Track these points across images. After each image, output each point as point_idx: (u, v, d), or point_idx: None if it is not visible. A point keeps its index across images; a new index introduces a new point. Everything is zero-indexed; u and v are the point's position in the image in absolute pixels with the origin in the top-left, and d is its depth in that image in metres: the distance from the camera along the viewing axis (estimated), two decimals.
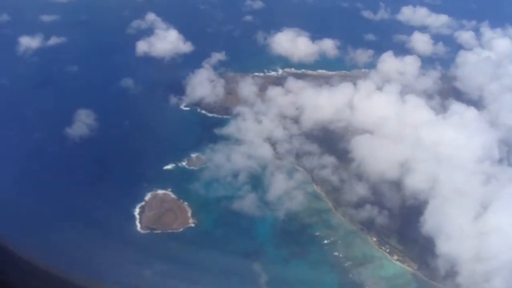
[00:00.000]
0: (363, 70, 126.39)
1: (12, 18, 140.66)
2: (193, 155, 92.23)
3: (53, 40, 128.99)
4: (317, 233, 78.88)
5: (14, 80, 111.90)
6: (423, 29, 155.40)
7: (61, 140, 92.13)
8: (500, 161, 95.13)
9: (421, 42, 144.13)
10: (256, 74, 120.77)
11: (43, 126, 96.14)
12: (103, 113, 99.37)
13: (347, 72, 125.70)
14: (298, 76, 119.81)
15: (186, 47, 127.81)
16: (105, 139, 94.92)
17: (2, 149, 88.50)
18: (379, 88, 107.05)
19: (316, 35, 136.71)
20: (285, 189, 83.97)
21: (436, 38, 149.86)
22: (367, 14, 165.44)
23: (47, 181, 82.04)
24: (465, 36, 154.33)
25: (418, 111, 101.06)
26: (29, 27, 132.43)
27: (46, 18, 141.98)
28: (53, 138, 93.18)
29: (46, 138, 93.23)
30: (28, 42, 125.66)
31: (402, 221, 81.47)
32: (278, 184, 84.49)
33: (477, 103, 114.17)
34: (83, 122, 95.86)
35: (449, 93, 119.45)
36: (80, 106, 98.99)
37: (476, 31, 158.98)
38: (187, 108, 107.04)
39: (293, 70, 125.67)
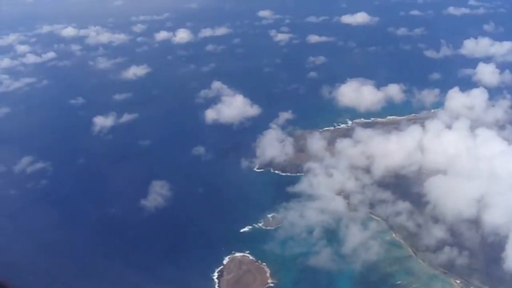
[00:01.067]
0: (432, 110, 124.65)
1: (86, 100, 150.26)
2: (269, 216, 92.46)
3: (126, 117, 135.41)
4: (399, 282, 77.02)
5: (90, 159, 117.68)
6: (488, 59, 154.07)
7: (137, 212, 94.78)
8: None
9: (486, 73, 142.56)
10: (326, 128, 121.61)
11: (120, 200, 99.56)
12: (176, 182, 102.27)
13: (416, 114, 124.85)
14: (366, 126, 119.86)
15: (253, 110, 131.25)
16: (181, 207, 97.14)
17: (82, 226, 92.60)
18: (448, 126, 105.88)
19: (380, 82, 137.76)
20: (361, 240, 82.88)
21: (503, 66, 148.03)
22: (430, 53, 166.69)
23: (128, 254, 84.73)
24: None
25: (490, 144, 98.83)
26: (102, 107, 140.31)
27: (118, 96, 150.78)
28: (129, 212, 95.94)
29: (123, 212, 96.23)
30: (102, 122, 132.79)
31: (485, 259, 79.09)
32: (353, 236, 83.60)
33: None
34: (157, 193, 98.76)
35: None
36: (154, 178, 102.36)
37: None
38: (260, 170, 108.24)
39: (362, 120, 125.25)
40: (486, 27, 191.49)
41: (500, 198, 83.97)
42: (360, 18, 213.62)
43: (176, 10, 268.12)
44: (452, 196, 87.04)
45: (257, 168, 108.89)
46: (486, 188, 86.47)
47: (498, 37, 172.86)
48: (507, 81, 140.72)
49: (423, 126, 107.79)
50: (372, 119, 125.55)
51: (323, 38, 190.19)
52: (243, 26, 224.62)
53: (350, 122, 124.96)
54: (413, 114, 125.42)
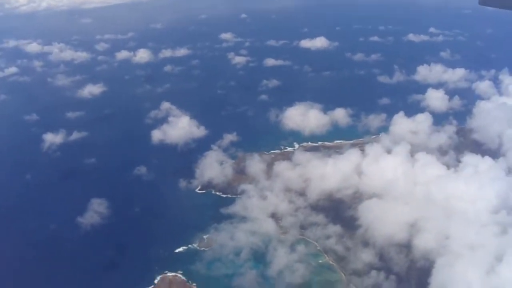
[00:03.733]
0: (377, 135, 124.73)
1: (40, 117, 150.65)
2: (204, 236, 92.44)
3: (75, 135, 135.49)
4: None
5: (36, 175, 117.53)
6: (439, 85, 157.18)
7: (74, 229, 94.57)
8: None
9: (435, 98, 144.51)
10: (273, 151, 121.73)
11: (59, 217, 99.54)
12: (116, 201, 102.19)
13: (361, 139, 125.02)
14: (312, 149, 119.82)
15: (199, 131, 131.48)
16: (118, 226, 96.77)
17: (19, 241, 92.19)
18: (389, 151, 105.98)
19: (329, 106, 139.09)
20: (288, 262, 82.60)
21: (453, 92, 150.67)
22: (383, 78, 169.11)
23: (61, 270, 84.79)
24: (483, 87, 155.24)
25: (429, 168, 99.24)
26: (54, 124, 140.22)
27: (71, 114, 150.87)
28: (67, 228, 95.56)
29: (60, 228, 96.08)
30: (52, 139, 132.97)
31: (411, 284, 79.08)
32: (281, 258, 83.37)
33: (495, 152, 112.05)
34: (96, 211, 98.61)
35: (465, 146, 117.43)
36: (94, 196, 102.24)
37: (495, 79, 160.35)
38: (202, 191, 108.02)
39: (309, 143, 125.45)
40: (442, 54, 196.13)
41: (433, 222, 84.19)
42: (319, 42, 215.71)
43: (141, 30, 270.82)
44: (384, 220, 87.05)
45: (199, 189, 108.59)
46: (420, 213, 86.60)
47: (452, 64, 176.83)
48: (455, 107, 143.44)
49: (362, 150, 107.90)
50: (320, 143, 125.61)
51: (280, 62, 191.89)
52: (204, 48, 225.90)
53: (297, 146, 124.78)
54: (359, 139, 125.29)
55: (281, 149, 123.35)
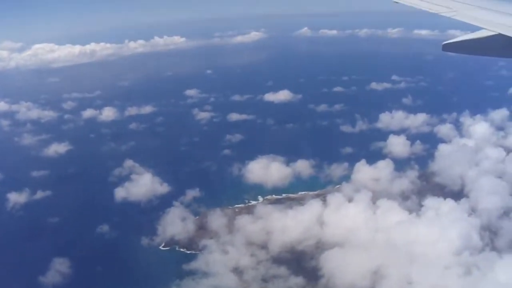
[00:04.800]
0: (339, 185, 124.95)
1: (5, 176, 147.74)
2: None
3: (39, 194, 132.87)
4: None
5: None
6: (402, 131, 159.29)
7: None
8: (482, 248, 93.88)
9: (397, 145, 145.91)
10: (237, 205, 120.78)
11: (18, 278, 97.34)
12: (78, 261, 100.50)
13: (324, 189, 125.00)
14: (276, 202, 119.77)
15: (162, 188, 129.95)
16: (80, 285, 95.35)
17: None
18: (350, 199, 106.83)
19: (291, 158, 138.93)
20: None
21: (415, 137, 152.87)
22: (345, 128, 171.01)
23: None
24: (444, 130, 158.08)
25: (390, 215, 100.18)
26: (19, 184, 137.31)
27: (36, 173, 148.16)
28: None
29: None
30: (16, 198, 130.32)
31: None
32: None
33: (457, 194, 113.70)
34: (57, 271, 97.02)
35: (428, 189, 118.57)
36: (56, 255, 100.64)
37: (456, 122, 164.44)
38: (165, 248, 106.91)
39: (273, 196, 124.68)
40: (404, 100, 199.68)
41: (395, 268, 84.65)
42: (282, 95, 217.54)
43: (107, 88, 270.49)
44: (347, 268, 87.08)
45: (163, 246, 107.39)
46: (382, 259, 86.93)
47: (414, 110, 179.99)
48: (417, 152, 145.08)
49: (324, 200, 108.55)
50: (284, 195, 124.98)
51: (244, 116, 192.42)
52: (169, 104, 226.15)
53: (261, 199, 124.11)
54: (323, 189, 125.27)
55: (245, 203, 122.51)
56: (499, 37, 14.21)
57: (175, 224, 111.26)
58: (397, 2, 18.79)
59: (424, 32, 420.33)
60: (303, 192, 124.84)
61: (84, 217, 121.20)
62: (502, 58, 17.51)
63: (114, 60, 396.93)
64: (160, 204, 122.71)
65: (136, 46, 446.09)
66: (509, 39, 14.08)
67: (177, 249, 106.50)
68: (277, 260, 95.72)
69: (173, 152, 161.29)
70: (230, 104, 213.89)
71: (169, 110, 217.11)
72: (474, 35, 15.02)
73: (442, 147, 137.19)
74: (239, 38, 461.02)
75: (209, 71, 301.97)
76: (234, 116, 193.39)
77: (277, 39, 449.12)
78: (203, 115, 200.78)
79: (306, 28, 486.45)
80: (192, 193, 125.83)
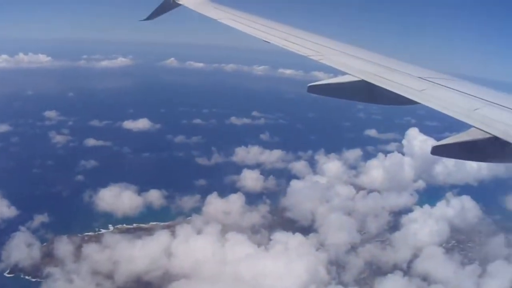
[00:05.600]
0: (190, 217, 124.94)
1: None
2: None
3: None
4: None
5: None
6: (256, 166, 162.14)
7: None
8: (329, 282, 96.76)
9: (250, 179, 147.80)
10: (86, 233, 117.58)
11: None
12: None
13: (174, 220, 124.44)
14: (123, 231, 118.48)
15: (10, 211, 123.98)
16: None
17: None
18: (200, 231, 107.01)
19: (144, 187, 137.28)
20: None
21: (269, 172, 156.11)
22: (201, 160, 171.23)
23: None
24: (298, 167, 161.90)
25: (239, 248, 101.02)
26: None
27: None
28: None
29: None
30: None
31: None
32: None
33: (307, 228, 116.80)
34: None
35: (278, 224, 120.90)
36: None
37: (311, 160, 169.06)
38: (10, 274, 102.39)
39: (124, 226, 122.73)
40: (262, 136, 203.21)
41: None
42: (141, 124, 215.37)
43: None
44: None
45: (7, 273, 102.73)
46: None
47: (270, 146, 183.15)
48: (270, 187, 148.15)
49: (173, 231, 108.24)
50: (135, 224, 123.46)
51: (100, 142, 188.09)
52: (26, 125, 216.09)
53: (111, 227, 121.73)
54: (173, 220, 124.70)
55: (94, 231, 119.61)
56: (362, 83, 15.10)
57: (21, 250, 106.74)
58: (268, 42, 18.82)
59: (288, 71, 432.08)
60: (154, 223, 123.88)
61: None
62: (363, 103, 18.26)
63: None
64: (6, 228, 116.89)
65: None
66: (370, 85, 14.97)
67: (22, 276, 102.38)
68: None
69: (25, 174, 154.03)
70: (88, 129, 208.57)
71: (26, 131, 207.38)
72: (339, 79, 15.65)
73: (294, 183, 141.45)
74: (105, 63, 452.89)
75: (71, 94, 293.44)
76: (91, 142, 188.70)
77: (143, 67, 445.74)
78: (59, 138, 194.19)
79: (173, 59, 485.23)
80: (40, 218, 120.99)
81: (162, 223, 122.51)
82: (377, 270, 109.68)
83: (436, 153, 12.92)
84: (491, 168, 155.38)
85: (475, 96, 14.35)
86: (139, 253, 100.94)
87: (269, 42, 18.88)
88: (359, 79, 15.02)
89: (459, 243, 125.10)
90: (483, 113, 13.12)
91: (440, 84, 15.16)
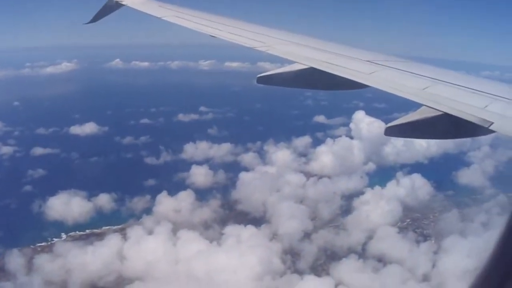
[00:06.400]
0: (140, 218, 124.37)
1: None
2: None
3: None
4: None
5: None
6: (205, 161, 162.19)
7: None
8: (284, 271, 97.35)
9: (199, 175, 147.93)
10: (39, 244, 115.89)
11: None
12: None
13: (125, 223, 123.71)
14: (76, 238, 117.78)
15: None
16: None
17: None
18: (151, 232, 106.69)
19: (93, 192, 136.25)
20: None
21: (218, 167, 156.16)
22: (149, 160, 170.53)
23: None
24: (248, 159, 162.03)
25: (191, 245, 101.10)
26: None
27: None
28: None
29: None
30: None
31: None
32: None
33: (260, 220, 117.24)
34: None
35: (230, 218, 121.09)
36: None
37: (260, 151, 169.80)
38: None
39: (77, 233, 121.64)
40: (210, 131, 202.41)
41: None
42: (88, 128, 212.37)
43: None
44: None
45: None
46: None
47: (218, 140, 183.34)
48: (220, 181, 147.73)
49: (124, 234, 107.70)
50: (88, 231, 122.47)
51: (48, 150, 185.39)
52: None
53: (64, 236, 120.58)
54: (125, 223, 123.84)
55: (47, 241, 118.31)
56: (311, 70, 15.34)
57: None
58: (214, 36, 19.04)
59: (235, 64, 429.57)
60: (106, 227, 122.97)
61: None
62: (312, 90, 18.57)
63: None
64: None
65: None
66: (319, 72, 15.25)
67: None
68: None
69: None
70: (34, 138, 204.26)
71: None
72: (288, 68, 15.88)
73: (243, 175, 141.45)
74: (50, 69, 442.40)
75: (16, 103, 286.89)
76: (38, 151, 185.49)
77: (88, 71, 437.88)
78: (5, 150, 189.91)
79: (118, 60, 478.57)
80: None
81: (114, 227, 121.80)
82: (332, 255, 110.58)
83: (389, 133, 13.34)
84: (440, 146, 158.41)
85: (423, 76, 14.98)
86: (91, 259, 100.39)
87: (215, 37, 19.18)
88: (308, 66, 15.53)
89: (414, 221, 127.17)
90: (432, 91, 13.75)
91: (389, 66, 15.78)
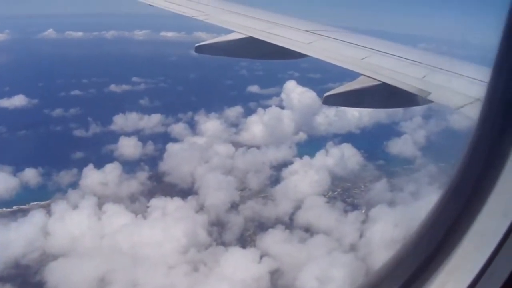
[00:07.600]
0: (66, 192, 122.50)
1: None
2: None
3: None
4: None
5: None
6: (135, 133, 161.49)
7: None
8: (210, 243, 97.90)
9: (127, 146, 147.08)
10: None
11: None
12: None
13: (52, 198, 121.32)
14: (3, 215, 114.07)
15: None
16: None
17: None
18: (76, 207, 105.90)
19: (19, 167, 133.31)
20: None
21: (147, 138, 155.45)
22: (78, 132, 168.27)
23: None
24: (178, 129, 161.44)
25: (116, 219, 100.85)
26: None
27: None
28: None
29: None
30: None
31: None
32: None
33: (187, 191, 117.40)
34: None
35: (158, 190, 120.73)
36: None
37: (191, 121, 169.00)
38: None
39: (4, 209, 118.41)
40: (141, 101, 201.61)
41: (121, 273, 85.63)
42: (17, 101, 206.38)
43: None
44: (72, 278, 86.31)
45: None
46: (107, 266, 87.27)
47: (150, 111, 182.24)
48: (149, 153, 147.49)
49: (49, 210, 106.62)
50: (15, 207, 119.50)
51: None
52: None
53: None
54: (51, 198, 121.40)
55: None
56: (250, 39, 15.56)
57: None
58: (152, 5, 18.83)
59: (170, 34, 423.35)
60: (34, 203, 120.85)
61: None
62: (251, 59, 19.66)
63: None
64: None
65: None
66: (258, 41, 15.49)
67: None
68: (2, 278, 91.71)
69: None
70: None
71: None
72: (227, 38, 16.07)
73: (171, 146, 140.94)
74: None
75: None
76: None
77: (20, 42, 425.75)
78: None
79: (51, 30, 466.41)
80: None
81: (42, 202, 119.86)
82: (260, 226, 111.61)
83: (327, 102, 13.62)
84: (372, 116, 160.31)
85: (362, 46, 15.28)
86: (14, 237, 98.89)
87: (152, 5, 19.00)
88: (247, 36, 15.80)
89: (344, 191, 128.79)
90: (370, 61, 14.06)
91: (328, 36, 16.01)
